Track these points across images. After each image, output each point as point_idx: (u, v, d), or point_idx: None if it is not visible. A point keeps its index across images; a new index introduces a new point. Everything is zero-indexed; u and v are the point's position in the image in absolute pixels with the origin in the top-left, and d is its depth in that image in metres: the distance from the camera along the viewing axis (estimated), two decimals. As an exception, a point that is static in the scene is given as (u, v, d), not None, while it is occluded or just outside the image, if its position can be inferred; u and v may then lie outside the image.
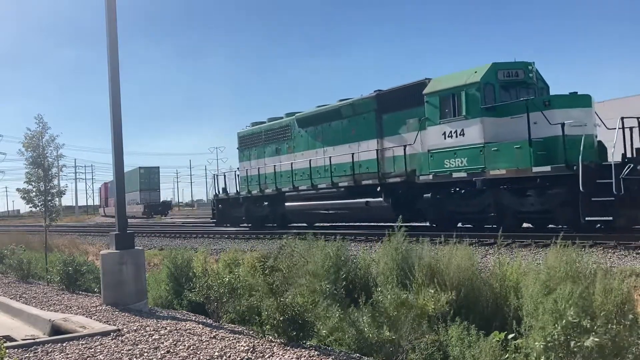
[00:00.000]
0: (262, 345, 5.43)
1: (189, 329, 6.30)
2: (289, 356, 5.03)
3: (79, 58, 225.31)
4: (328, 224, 20.64)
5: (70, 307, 8.06)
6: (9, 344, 5.61)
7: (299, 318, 5.47)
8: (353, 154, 17.73)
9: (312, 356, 5.00)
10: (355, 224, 20.60)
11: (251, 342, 5.53)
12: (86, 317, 7.13)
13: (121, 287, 7.90)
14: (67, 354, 5.38)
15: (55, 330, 6.64)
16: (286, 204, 20.69)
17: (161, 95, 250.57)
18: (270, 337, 5.66)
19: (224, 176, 25.78)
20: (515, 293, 5.23)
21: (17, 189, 10.99)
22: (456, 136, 14.27)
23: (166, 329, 6.30)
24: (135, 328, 6.39)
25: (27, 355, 5.42)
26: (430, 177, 14.88)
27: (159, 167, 70.68)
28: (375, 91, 17.57)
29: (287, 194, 20.73)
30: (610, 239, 10.93)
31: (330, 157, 18.87)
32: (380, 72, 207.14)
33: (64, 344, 5.74)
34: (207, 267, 9.40)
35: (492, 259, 8.33)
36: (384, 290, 5.56)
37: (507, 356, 4.50)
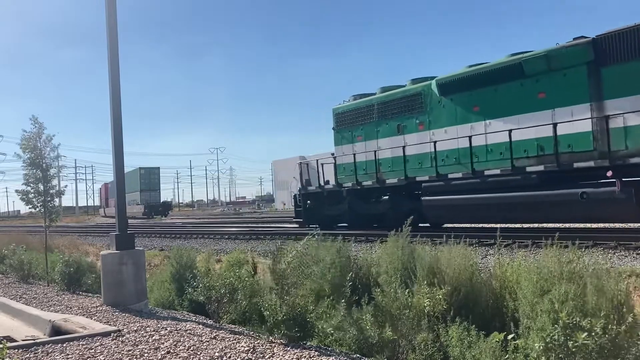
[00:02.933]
0: (262, 345, 5.43)
1: (190, 329, 6.31)
2: (289, 357, 5.03)
3: (79, 58, 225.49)
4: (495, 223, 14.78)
5: (71, 308, 8.07)
6: (9, 344, 5.62)
7: (301, 318, 5.47)
8: (555, 124, 12.51)
9: (313, 356, 5.01)
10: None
11: (251, 343, 5.53)
12: (86, 317, 7.13)
13: (121, 287, 7.91)
14: (68, 355, 5.39)
15: (56, 330, 6.65)
16: (423, 197, 15.56)
17: (161, 96, 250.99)
18: (271, 338, 5.67)
19: (307, 166, 21.06)
20: (511, 294, 5.23)
21: (16, 191, 11.00)
22: None
23: (166, 329, 6.31)
24: (135, 328, 6.39)
25: (28, 355, 5.43)
26: None
27: (159, 168, 70.83)
28: (580, 37, 12.71)
29: (424, 184, 15.57)
30: (611, 239, 10.93)
31: (506, 131, 13.44)
32: (381, 71, 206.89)
33: (64, 345, 5.75)
34: (210, 267, 9.41)
35: (491, 259, 8.33)
36: (387, 290, 5.57)
37: (507, 356, 4.50)
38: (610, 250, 10.20)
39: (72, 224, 50.46)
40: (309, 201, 19.93)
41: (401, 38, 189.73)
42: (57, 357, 5.35)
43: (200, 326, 6.52)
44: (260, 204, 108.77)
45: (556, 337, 3.90)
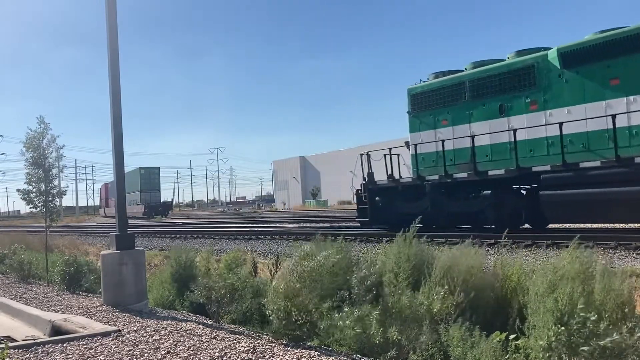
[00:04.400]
0: (262, 345, 5.42)
1: (190, 329, 6.29)
2: (289, 357, 5.02)
3: (79, 58, 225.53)
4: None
5: (71, 308, 8.05)
6: (10, 344, 5.60)
7: (302, 318, 5.46)
8: None
9: (313, 356, 4.99)
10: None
11: (251, 343, 5.52)
12: (87, 317, 7.12)
13: (122, 287, 7.89)
14: (68, 355, 5.37)
15: (56, 330, 6.63)
16: (543, 192, 12.76)
17: (161, 96, 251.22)
18: (271, 338, 5.65)
19: (368, 157, 18.07)
20: (517, 293, 5.21)
21: (18, 190, 10.98)
22: None
23: (166, 329, 6.29)
24: (135, 328, 6.38)
25: (28, 355, 5.41)
26: None
27: (159, 168, 71.02)
28: None
29: (544, 175, 12.85)
30: (611, 239, 10.92)
31: None
32: (380, 73, 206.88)
33: (65, 345, 5.73)
34: (210, 267, 9.40)
35: (492, 259, 8.30)
36: (394, 290, 5.56)
37: (507, 356, 4.49)
38: (611, 250, 10.20)
39: (72, 224, 50.48)
40: (377, 197, 17.21)
41: (402, 38, 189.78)
42: (58, 357, 5.34)
43: (200, 326, 6.50)
44: (261, 204, 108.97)
45: (560, 336, 3.89)
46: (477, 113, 15.00)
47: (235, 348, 5.35)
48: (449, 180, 15.15)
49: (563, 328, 3.91)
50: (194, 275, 8.79)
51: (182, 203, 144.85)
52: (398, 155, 17.99)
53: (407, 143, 17.31)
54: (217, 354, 5.16)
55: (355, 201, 18.32)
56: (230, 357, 5.07)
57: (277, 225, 27.54)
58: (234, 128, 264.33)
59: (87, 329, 6.32)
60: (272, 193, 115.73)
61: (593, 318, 3.82)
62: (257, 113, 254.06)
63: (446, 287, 5.31)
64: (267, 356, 5.06)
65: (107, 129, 8.46)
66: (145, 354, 5.26)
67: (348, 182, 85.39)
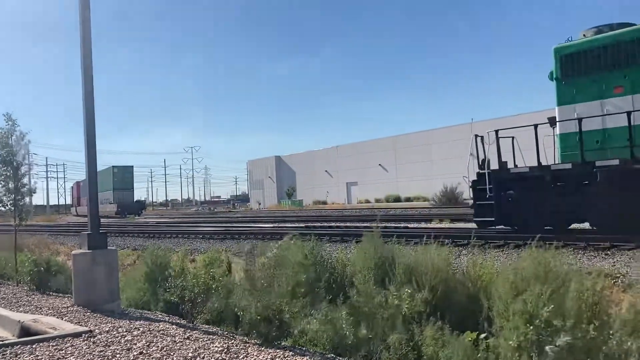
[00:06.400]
0: (236, 345, 5.41)
1: (163, 329, 6.25)
2: (263, 357, 5.02)
3: (51, 54, 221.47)
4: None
5: (41, 308, 7.92)
6: (-24, 345, 5.49)
7: (275, 318, 5.47)
8: None
9: (287, 356, 5.01)
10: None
11: (225, 343, 5.50)
12: (57, 318, 7.01)
13: (93, 287, 7.79)
14: (37, 356, 5.29)
15: (25, 331, 6.52)
16: None
17: (136, 94, 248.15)
18: (245, 338, 5.65)
19: (482, 139, 14.20)
20: (486, 294, 5.30)
21: (-15, 188, 10.74)
22: None
23: (139, 329, 6.24)
24: (107, 329, 6.31)
25: (-4, 357, 5.32)
26: None
27: (132, 167, 70.29)
28: None
29: None
30: (580, 240, 11.15)
31: None
32: (353, 71, 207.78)
33: (34, 346, 5.64)
34: (184, 267, 9.33)
35: (465, 259, 8.42)
36: (363, 289, 5.60)
37: (479, 355, 4.56)
38: (580, 251, 10.40)
39: (43, 223, 49.53)
40: (511, 190, 13.47)
41: (378, 37, 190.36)
42: (27, 358, 5.25)
43: (174, 326, 6.46)
44: (236, 204, 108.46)
45: (529, 336, 3.96)
46: None
47: (209, 348, 5.33)
48: (638, 166, 11.21)
49: (531, 328, 3.99)
50: (168, 275, 8.71)
51: (155, 202, 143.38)
52: (513, 138, 13.94)
53: (551, 119, 13.24)
54: (190, 354, 5.13)
55: (471, 195, 14.29)
56: (204, 357, 5.05)
57: (252, 224, 27.46)
58: (209, 127, 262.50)
59: (58, 330, 6.22)
60: (247, 193, 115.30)
61: (559, 316, 3.91)
62: (233, 112, 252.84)
63: (415, 285, 5.37)
64: (241, 356, 5.06)
65: (79, 126, 8.36)
66: (117, 355, 5.20)
67: (323, 181, 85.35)
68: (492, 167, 13.84)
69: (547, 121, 13.39)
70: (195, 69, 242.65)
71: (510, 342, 4.03)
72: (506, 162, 13.71)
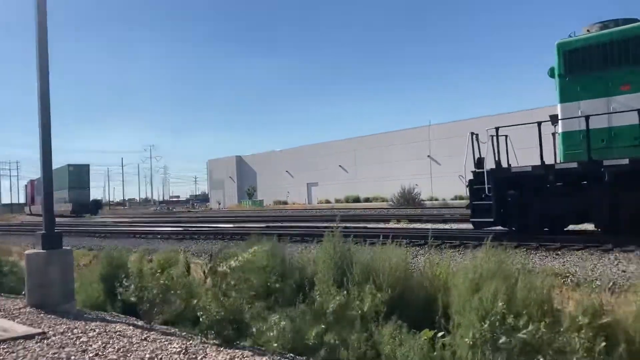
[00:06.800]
0: (194, 346, 5.38)
1: (119, 330, 6.16)
2: (222, 357, 5.01)
3: (5, 49, 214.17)
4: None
5: (-9, 310, 7.68)
6: None
7: (235, 319, 5.47)
8: None
9: (246, 356, 5.01)
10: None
11: (184, 344, 5.47)
12: (8, 320, 6.82)
13: (47, 288, 7.61)
14: (-13, 359, 5.14)
15: (-26, 334, 6.31)
16: None
17: (93, 91, 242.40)
18: (204, 339, 5.62)
19: (476, 137, 13.69)
20: (444, 292, 5.42)
21: None
22: None
23: (95, 331, 6.13)
24: (62, 331, 6.17)
25: (-57, 360, 5.14)
26: None
27: (89, 165, 68.76)
28: None
29: None
30: (533, 240, 11.48)
31: None
32: (321, 75, 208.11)
33: (-16, 349, 5.47)
34: (142, 267, 9.20)
35: (422, 259, 8.58)
36: (323, 289, 5.65)
37: (435, 353, 4.67)
38: (533, 251, 10.72)
39: (-6, 222, 47.87)
40: (511, 190, 12.91)
41: (338, 39, 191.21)
42: (-24, 361, 5.10)
43: (131, 327, 6.37)
44: (195, 204, 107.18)
45: (483, 333, 4.08)
46: None
47: (167, 349, 5.28)
48: None
49: (486, 325, 4.11)
50: (126, 275, 8.58)
51: (112, 201, 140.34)
52: (506, 137, 13.43)
53: (553, 117, 12.77)
54: (147, 355, 5.08)
55: (468, 194, 13.69)
56: (161, 358, 5.00)
57: (212, 225, 27.20)
58: (168, 126, 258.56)
59: (9, 332, 6.05)
60: (207, 192, 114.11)
61: (512, 316, 4.05)
62: (194, 111, 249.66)
63: (373, 285, 5.46)
64: (200, 357, 5.03)
65: (34, 123, 8.13)
66: (72, 357, 5.10)
67: (284, 182, 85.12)
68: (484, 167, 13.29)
69: (534, 121, 12.79)
70: (155, 66, 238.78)
71: (466, 340, 4.15)
72: (499, 161, 13.32)
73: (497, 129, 13.11)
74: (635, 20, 12.14)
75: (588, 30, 12.67)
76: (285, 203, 74.35)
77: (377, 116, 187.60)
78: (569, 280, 7.97)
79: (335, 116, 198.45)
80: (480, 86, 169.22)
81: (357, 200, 64.50)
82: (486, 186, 12.66)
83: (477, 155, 13.56)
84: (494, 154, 13.18)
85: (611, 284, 7.50)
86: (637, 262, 8.91)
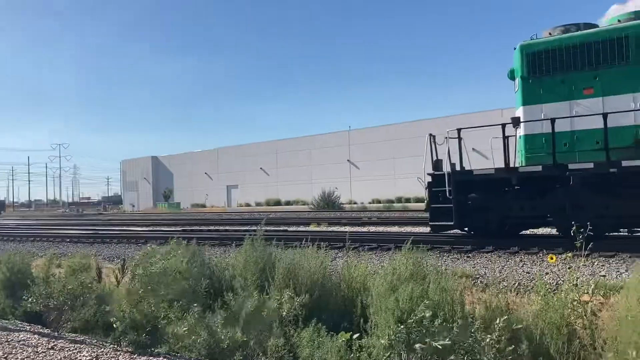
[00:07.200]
0: (106, 354, 5.17)
1: (23, 339, 5.80)
2: (136, 365, 4.84)
3: None
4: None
5: None
6: None
7: (150, 324, 5.30)
8: None
9: (161, 363, 4.87)
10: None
11: (94, 352, 5.23)
12: None
13: (-59, 296, 7.04)
14: None
15: None
16: None
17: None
18: (116, 346, 5.41)
19: (433, 138, 13.49)
20: (362, 294, 5.52)
21: None
22: None
23: (-5, 341, 5.74)
24: (-44, 342, 5.74)
25: None
26: None
27: (-10, 163, 64.26)
28: None
29: None
30: (445, 243, 11.94)
31: None
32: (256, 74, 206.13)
33: None
34: (49, 273, 8.71)
35: (340, 262, 8.69)
36: (241, 293, 5.59)
37: (352, 355, 4.73)
38: (445, 254, 11.13)
39: None
40: (472, 193, 12.64)
41: (260, 36, 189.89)
42: None
43: (36, 336, 6.02)
44: (107, 206, 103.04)
45: (399, 334, 4.18)
46: None
47: (76, 358, 5.04)
48: (613, 170, 10.89)
49: (402, 326, 4.22)
50: (30, 281, 8.09)
51: (17, 202, 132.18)
52: (460, 139, 12.98)
53: (515, 119, 12.64)
54: (54, 365, 4.82)
55: (427, 197, 13.27)
56: (69, 368, 4.77)
57: (125, 228, 26.25)
58: (80, 124, 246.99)
59: None
60: (120, 194, 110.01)
61: (429, 315, 4.18)
62: (107, 109, 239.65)
63: (293, 288, 5.47)
64: (112, 365, 4.84)
65: None
66: (-31, 370, 4.76)
67: (203, 184, 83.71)
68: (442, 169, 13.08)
69: (495, 124, 12.70)
70: (67, 63, 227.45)
71: (382, 341, 4.24)
72: (455, 164, 12.89)
73: (459, 130, 12.73)
74: (595, 26, 12.35)
75: (550, 34, 12.70)
76: (203, 206, 73.07)
77: (299, 120, 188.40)
78: (478, 281, 8.34)
79: (257, 119, 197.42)
80: (405, 91, 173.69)
81: (278, 203, 64.51)
82: (447, 189, 12.40)
83: (435, 158, 13.31)
84: (450, 156, 12.85)
85: (517, 284, 7.93)
86: (539, 264, 9.48)
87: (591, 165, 11.04)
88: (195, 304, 5.74)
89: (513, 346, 4.15)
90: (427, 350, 4.11)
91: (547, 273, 8.71)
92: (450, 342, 4.11)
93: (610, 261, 9.37)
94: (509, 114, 14.38)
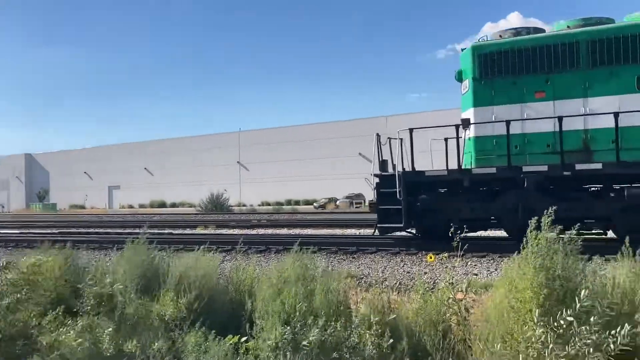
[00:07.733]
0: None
1: None
2: (4, 379, 4.51)
3: None
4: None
5: None
6: None
7: (22, 335, 4.96)
8: None
9: (34, 376, 4.57)
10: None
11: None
12: None
13: None
14: None
15: None
16: None
17: None
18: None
19: (378, 138, 13.07)
20: (249, 297, 5.54)
21: None
22: None
23: None
24: None
25: None
26: None
27: None
28: None
29: None
30: (333, 244, 12.29)
31: None
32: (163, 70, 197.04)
33: None
34: None
35: (228, 264, 8.64)
36: (126, 299, 5.40)
37: (238, 358, 4.74)
38: (332, 255, 11.43)
39: None
40: (422, 195, 12.35)
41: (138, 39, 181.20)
42: None
43: None
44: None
45: (285, 335, 4.26)
46: (599, 85, 11.58)
47: None
48: (567, 173, 11.13)
49: (288, 327, 4.30)
50: None
51: None
52: (401, 140, 12.48)
53: (465, 120, 12.38)
54: None
55: (375, 198, 12.92)
56: None
57: (-8, 230, 24.19)
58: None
59: None
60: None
61: (312, 317, 4.29)
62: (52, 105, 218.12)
63: (179, 292, 5.38)
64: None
65: None
66: None
67: (82, 184, 79.02)
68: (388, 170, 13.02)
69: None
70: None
71: (269, 342, 4.29)
72: (394, 165, 12.63)
73: (411, 130, 12.49)
74: (542, 30, 12.57)
75: (500, 36, 12.74)
76: (83, 207, 69.21)
77: (187, 119, 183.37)
78: (362, 281, 8.67)
79: (143, 116, 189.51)
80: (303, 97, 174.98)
81: (163, 205, 62.62)
82: (397, 190, 12.04)
83: (382, 158, 13.13)
84: (402, 157, 12.49)
85: (398, 283, 8.34)
86: (419, 264, 10.02)
87: (545, 167, 11.25)
88: (74, 311, 5.46)
89: (392, 340, 4.37)
90: (312, 349, 4.22)
91: (425, 272, 9.24)
92: (334, 339, 4.26)
93: (482, 261, 10.11)
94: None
